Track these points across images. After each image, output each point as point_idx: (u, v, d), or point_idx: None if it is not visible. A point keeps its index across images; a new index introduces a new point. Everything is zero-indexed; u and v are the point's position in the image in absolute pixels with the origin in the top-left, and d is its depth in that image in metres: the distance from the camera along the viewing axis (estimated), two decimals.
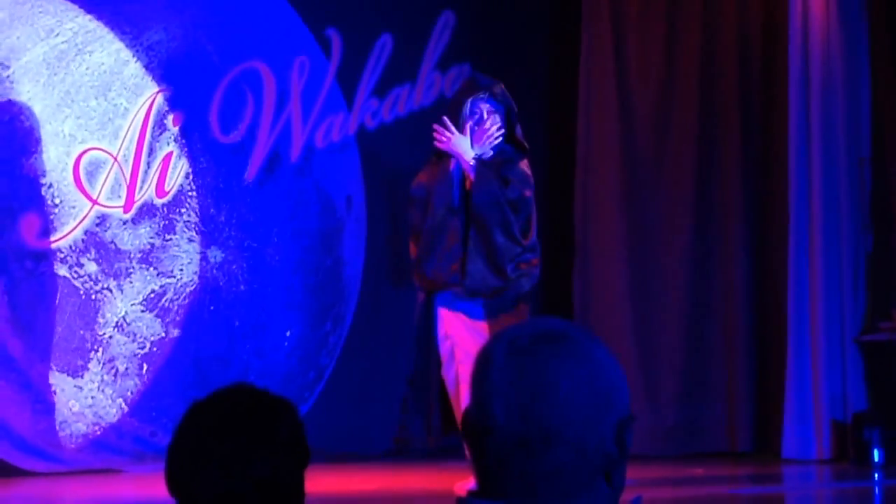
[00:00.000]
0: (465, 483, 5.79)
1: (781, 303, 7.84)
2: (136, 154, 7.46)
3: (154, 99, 7.50)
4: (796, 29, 7.89)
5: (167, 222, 7.54)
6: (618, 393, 1.57)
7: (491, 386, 1.55)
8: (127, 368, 7.37)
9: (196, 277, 7.60)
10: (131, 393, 7.37)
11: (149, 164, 7.50)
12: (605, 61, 8.31)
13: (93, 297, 7.31)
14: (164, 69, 7.53)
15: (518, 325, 1.60)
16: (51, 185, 7.25)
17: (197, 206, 7.64)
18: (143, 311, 7.43)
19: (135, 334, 7.40)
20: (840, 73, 7.85)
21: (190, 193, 7.62)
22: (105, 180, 7.37)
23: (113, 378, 7.33)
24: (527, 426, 1.53)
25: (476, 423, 1.56)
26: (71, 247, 7.28)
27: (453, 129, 6.08)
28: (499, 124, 6.15)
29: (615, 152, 8.26)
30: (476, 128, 6.12)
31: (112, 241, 7.39)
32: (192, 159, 7.64)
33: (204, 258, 7.63)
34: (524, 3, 8.63)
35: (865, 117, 7.94)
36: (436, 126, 6.11)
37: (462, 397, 5.93)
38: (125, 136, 7.43)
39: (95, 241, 7.34)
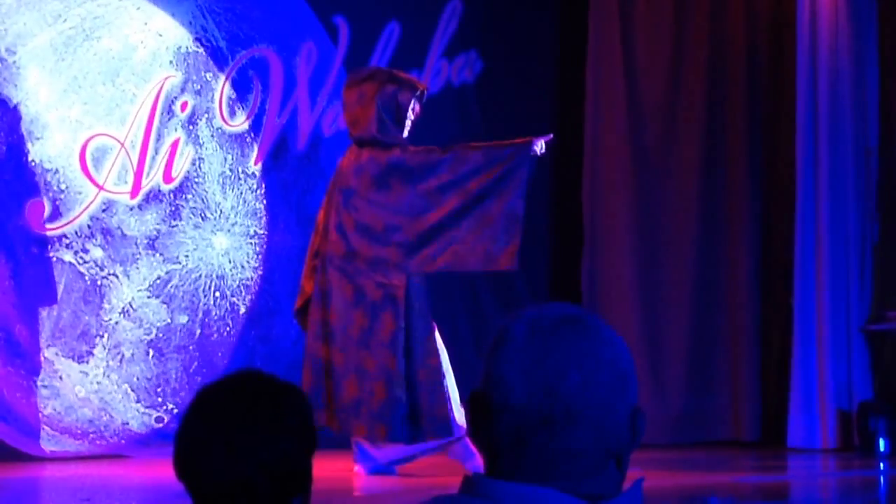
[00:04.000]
0: (477, 462, 5.81)
1: (788, 292, 7.84)
2: (143, 140, 7.46)
3: (162, 85, 7.49)
4: (804, 18, 7.88)
5: (174, 209, 7.54)
6: (632, 378, 1.59)
7: (512, 364, 1.56)
8: (133, 354, 7.38)
9: (202, 264, 7.61)
10: (137, 379, 7.38)
11: (156, 151, 7.51)
12: (613, 49, 8.30)
13: (98, 282, 7.31)
14: (172, 55, 7.53)
15: (535, 307, 1.61)
16: (57, 171, 7.25)
17: (204, 192, 7.64)
18: (149, 298, 7.44)
19: (141, 320, 7.41)
20: (848, 62, 7.83)
21: (197, 180, 7.63)
22: (112, 166, 7.38)
23: (119, 364, 7.34)
24: (551, 404, 1.54)
25: (492, 402, 1.57)
26: (77, 232, 7.28)
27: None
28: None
29: (623, 140, 8.25)
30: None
31: (118, 227, 7.39)
32: (200, 146, 7.64)
33: (210, 245, 7.64)
34: None
35: (873, 107, 7.93)
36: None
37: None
38: (133, 122, 7.43)
39: (101, 227, 7.35)
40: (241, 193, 7.75)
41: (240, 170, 7.76)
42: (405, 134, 6.35)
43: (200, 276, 7.60)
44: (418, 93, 6.37)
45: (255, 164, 7.80)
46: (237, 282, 7.69)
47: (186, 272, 7.56)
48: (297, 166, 7.92)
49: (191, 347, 7.52)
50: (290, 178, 7.89)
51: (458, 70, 8.35)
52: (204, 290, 7.61)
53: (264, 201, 7.81)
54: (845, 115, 7.83)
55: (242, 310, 7.70)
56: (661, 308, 8.17)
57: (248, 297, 7.72)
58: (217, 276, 7.64)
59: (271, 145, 7.85)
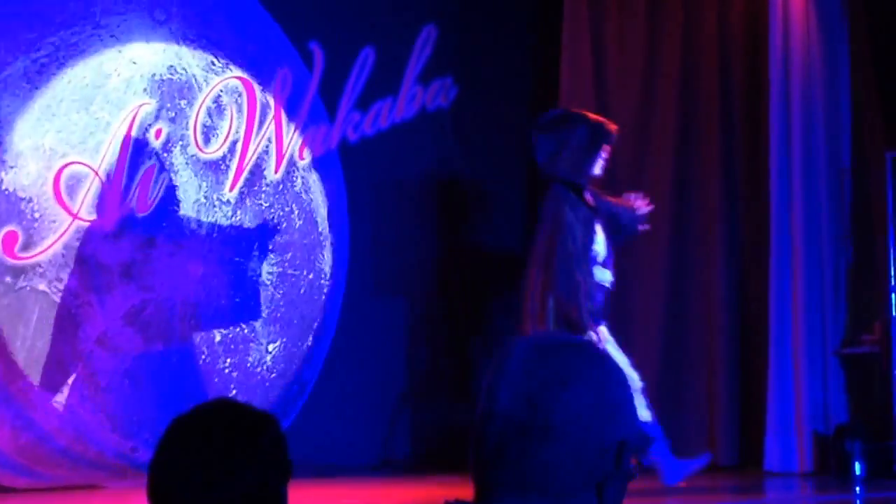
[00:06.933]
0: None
1: (763, 315, 7.86)
2: (117, 168, 7.44)
3: (136, 113, 7.48)
4: (777, 39, 7.92)
5: (148, 236, 7.51)
6: (626, 413, 1.60)
7: (504, 374, 1.60)
8: (108, 383, 7.34)
9: (177, 292, 7.57)
10: (112, 408, 7.34)
11: (130, 178, 7.48)
12: (585, 74, 8.33)
13: (73, 311, 7.27)
14: (146, 83, 7.52)
15: (544, 332, 1.66)
16: (31, 200, 7.22)
17: (179, 220, 7.62)
18: (123, 326, 7.40)
19: (116, 349, 7.37)
20: (820, 82, 7.88)
21: (171, 207, 7.61)
22: (86, 194, 7.35)
23: (93, 393, 7.30)
24: (530, 413, 1.56)
25: (481, 412, 1.60)
26: (51, 261, 7.25)
27: None
28: None
29: None
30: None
31: (93, 256, 7.36)
32: (174, 173, 7.62)
33: (185, 272, 7.61)
34: (506, 16, 8.65)
35: (845, 127, 7.97)
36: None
37: None
38: (107, 150, 7.41)
39: (76, 256, 7.31)
40: (216, 221, 7.73)
41: (214, 197, 7.74)
42: (598, 172, 6.46)
43: (175, 304, 7.57)
44: (611, 134, 6.46)
45: (230, 190, 7.79)
46: (212, 309, 7.67)
47: (162, 300, 7.52)
48: (272, 192, 7.91)
49: (166, 376, 7.48)
50: (266, 205, 7.88)
51: (433, 96, 8.36)
52: (179, 319, 7.57)
53: (239, 228, 7.79)
54: (818, 135, 7.87)
55: (218, 338, 7.67)
56: (635, 332, 8.16)
57: (224, 324, 7.69)
58: (192, 304, 7.61)
59: (246, 172, 7.83)
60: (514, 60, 8.66)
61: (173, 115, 7.60)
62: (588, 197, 6.45)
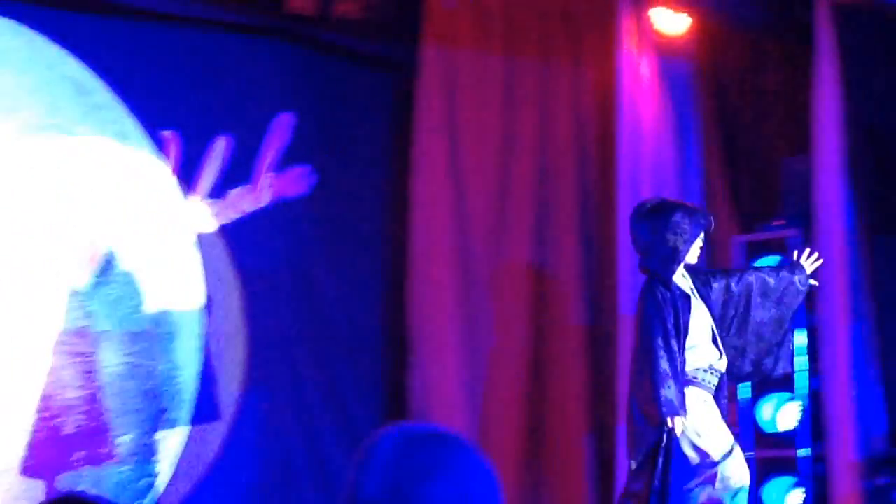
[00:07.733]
0: None
1: (618, 413, 7.95)
2: None
3: None
4: (625, 131, 8.11)
5: None
6: (487, 500, 1.60)
7: (371, 464, 1.59)
8: None
9: (27, 385, 7.39)
10: None
11: None
12: (439, 165, 8.40)
13: None
14: None
15: (411, 422, 1.66)
16: None
17: (27, 311, 7.46)
18: None
19: None
20: (672, 173, 8.08)
21: (21, 299, 7.45)
22: None
23: None
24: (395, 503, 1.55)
25: (345, 502, 1.58)
26: None
27: None
28: None
29: (450, 252, 8.32)
30: None
31: None
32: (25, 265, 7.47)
33: (35, 365, 7.44)
34: (363, 104, 8.70)
35: None
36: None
37: None
38: None
39: None
40: (68, 311, 7.59)
41: (66, 288, 7.60)
42: (694, 261, 6.39)
43: (24, 397, 7.39)
44: (707, 221, 6.39)
45: (82, 282, 7.66)
46: (62, 402, 7.49)
47: (10, 394, 7.34)
48: (125, 283, 7.79)
49: (12, 471, 7.28)
50: (118, 295, 7.76)
51: (291, 183, 8.35)
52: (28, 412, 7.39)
53: (92, 319, 7.65)
54: None
55: (67, 431, 7.49)
56: (490, 418, 8.19)
57: (73, 417, 7.52)
58: (43, 397, 7.44)
59: (99, 262, 7.71)
60: (371, 148, 8.70)
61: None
62: (679, 280, 6.36)
